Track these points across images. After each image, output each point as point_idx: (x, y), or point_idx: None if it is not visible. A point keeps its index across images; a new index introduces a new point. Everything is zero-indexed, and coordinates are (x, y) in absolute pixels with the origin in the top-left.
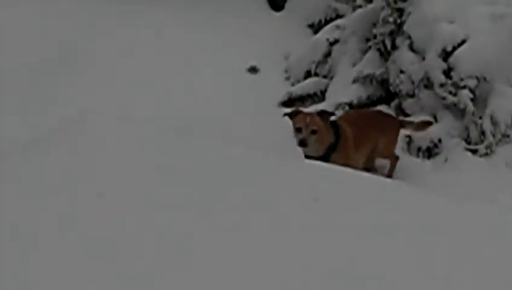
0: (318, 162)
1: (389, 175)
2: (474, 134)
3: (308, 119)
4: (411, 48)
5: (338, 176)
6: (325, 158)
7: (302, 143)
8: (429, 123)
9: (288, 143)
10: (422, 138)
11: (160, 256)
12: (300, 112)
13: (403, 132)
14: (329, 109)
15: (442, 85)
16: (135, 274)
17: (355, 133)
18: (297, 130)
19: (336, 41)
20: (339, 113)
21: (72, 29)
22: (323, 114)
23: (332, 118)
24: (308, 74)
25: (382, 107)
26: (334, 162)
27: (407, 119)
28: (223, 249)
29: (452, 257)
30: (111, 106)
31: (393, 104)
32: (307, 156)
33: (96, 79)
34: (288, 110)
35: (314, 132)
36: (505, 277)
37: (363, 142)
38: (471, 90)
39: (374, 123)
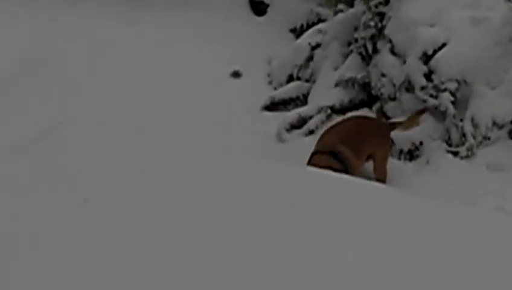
0: (299, 167)
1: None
2: (455, 136)
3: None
4: (392, 51)
5: (319, 181)
6: None
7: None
8: (422, 112)
9: (270, 147)
10: (404, 140)
11: (144, 259)
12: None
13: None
14: (312, 113)
15: (423, 88)
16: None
17: (354, 153)
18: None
19: (318, 45)
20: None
21: (47, 34)
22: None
23: (331, 145)
24: (290, 78)
25: (364, 111)
26: None
27: (396, 120)
28: (208, 253)
29: (439, 259)
30: (92, 114)
31: (375, 107)
32: None
33: (75, 86)
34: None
35: None
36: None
37: (361, 156)
38: (452, 93)
39: (369, 136)
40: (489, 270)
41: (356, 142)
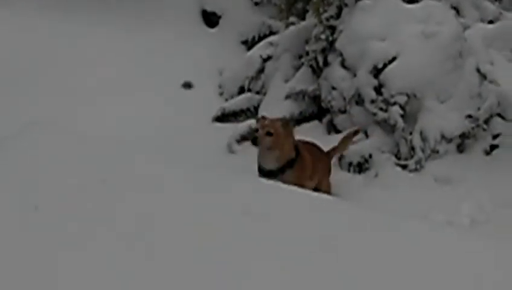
0: (250, 177)
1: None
2: (404, 149)
3: (266, 122)
4: (343, 64)
5: (270, 190)
6: (280, 173)
7: (254, 141)
8: (356, 132)
9: (221, 158)
10: (353, 153)
11: (98, 267)
12: (265, 117)
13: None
14: None
15: (373, 101)
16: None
17: (312, 164)
18: (256, 131)
19: (269, 57)
20: None
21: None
22: (287, 122)
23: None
24: (241, 90)
25: (314, 123)
26: (287, 180)
27: (330, 147)
28: (158, 266)
29: (388, 270)
30: (51, 121)
31: (325, 120)
32: (262, 172)
33: (34, 97)
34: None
35: (269, 134)
36: None
37: (315, 173)
38: (401, 107)
39: (320, 160)
40: (442, 283)
41: (315, 163)
